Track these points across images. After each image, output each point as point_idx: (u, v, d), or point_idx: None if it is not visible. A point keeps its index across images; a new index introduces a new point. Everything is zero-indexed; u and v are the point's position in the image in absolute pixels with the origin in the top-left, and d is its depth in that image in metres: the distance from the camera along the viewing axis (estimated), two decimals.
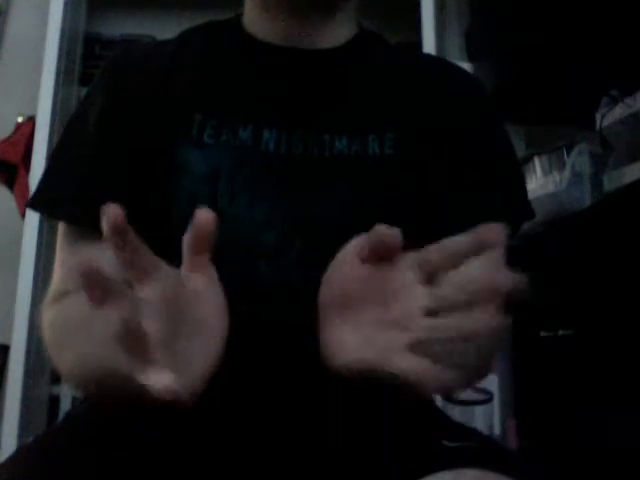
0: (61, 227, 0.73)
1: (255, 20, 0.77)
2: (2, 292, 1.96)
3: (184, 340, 0.46)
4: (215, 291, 0.50)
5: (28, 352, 1.86)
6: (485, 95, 0.81)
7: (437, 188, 0.72)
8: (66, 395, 2.12)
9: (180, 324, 0.47)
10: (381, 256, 0.48)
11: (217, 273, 0.49)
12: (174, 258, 0.68)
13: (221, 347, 0.48)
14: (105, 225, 0.45)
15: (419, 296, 0.46)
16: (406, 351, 0.44)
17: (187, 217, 0.67)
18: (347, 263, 0.50)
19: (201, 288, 0.49)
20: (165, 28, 0.81)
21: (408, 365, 0.44)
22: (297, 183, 0.69)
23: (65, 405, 2.12)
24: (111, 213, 0.45)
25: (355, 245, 0.50)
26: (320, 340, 0.49)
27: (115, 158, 0.70)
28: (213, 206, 0.67)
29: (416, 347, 0.44)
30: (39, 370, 1.93)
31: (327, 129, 0.70)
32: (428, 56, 1.02)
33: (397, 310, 0.46)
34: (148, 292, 0.46)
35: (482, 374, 0.67)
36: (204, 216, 0.48)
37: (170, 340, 0.45)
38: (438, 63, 0.84)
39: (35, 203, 0.75)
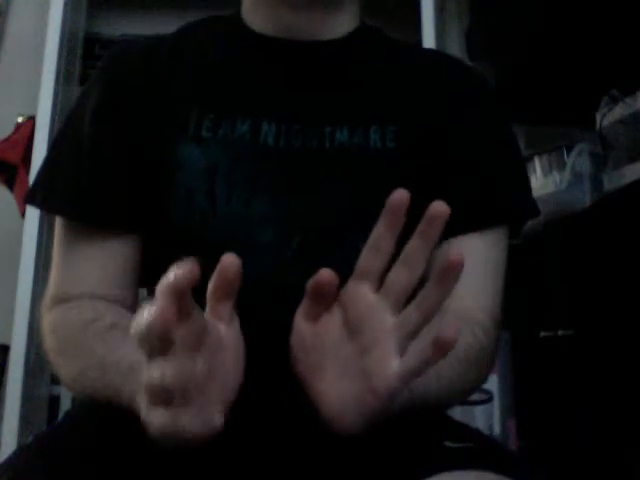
0: (58, 225, 0.72)
1: (254, 13, 0.76)
2: (2, 292, 1.96)
3: (200, 384, 0.46)
4: (236, 339, 0.50)
5: (28, 352, 1.86)
6: (489, 90, 0.79)
7: (439, 184, 0.71)
8: (66, 395, 2.12)
9: (198, 366, 0.47)
10: (323, 299, 0.49)
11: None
12: (172, 255, 0.68)
13: (235, 393, 0.49)
14: (174, 281, 0.42)
15: (382, 330, 0.48)
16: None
17: (185, 213, 0.67)
18: (304, 328, 0.51)
19: (223, 335, 0.49)
20: (165, 28, 0.80)
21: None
22: (296, 177, 0.68)
23: (65, 405, 2.12)
24: (188, 270, 0.42)
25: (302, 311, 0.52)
26: (315, 404, 0.50)
27: (113, 154, 0.70)
28: (210, 202, 0.67)
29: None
30: (39, 370, 1.93)
31: (328, 121, 0.70)
32: (430, 50, 1.00)
33: (373, 348, 0.48)
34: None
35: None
36: (228, 261, 0.46)
37: (187, 381, 0.45)
38: (441, 57, 0.83)
39: (33, 198, 0.74)
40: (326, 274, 0.48)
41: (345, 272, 0.66)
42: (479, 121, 0.74)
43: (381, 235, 0.48)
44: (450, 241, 0.71)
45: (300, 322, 0.51)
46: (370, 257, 0.49)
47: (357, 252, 0.66)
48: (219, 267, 0.46)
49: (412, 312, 0.47)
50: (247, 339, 0.59)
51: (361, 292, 0.49)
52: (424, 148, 0.71)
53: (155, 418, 0.45)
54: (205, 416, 0.46)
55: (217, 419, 0.47)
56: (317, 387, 0.50)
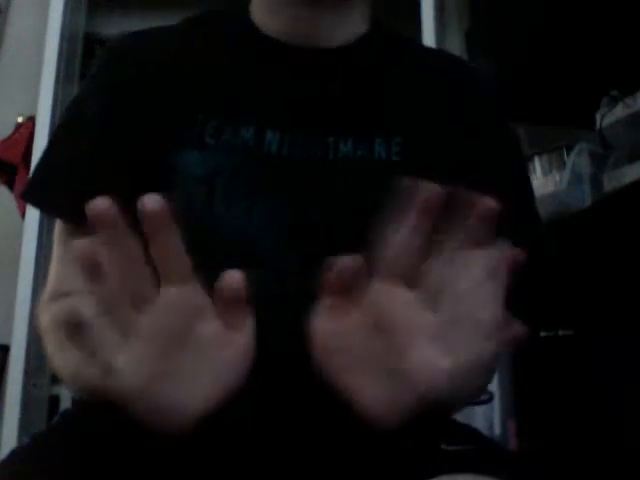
0: (58, 223, 0.72)
1: (263, 12, 0.74)
2: (2, 292, 1.96)
3: (185, 364, 0.46)
4: (243, 343, 0.48)
5: (28, 352, 1.86)
6: (495, 97, 0.78)
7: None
8: (66, 395, 2.12)
9: (182, 346, 0.46)
10: (345, 287, 0.47)
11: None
12: None
13: (226, 392, 0.48)
14: (92, 221, 0.43)
15: (422, 327, 0.46)
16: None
17: (184, 219, 0.66)
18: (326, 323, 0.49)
19: (220, 332, 0.48)
20: None
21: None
22: (297, 187, 0.67)
23: (65, 405, 2.12)
24: (99, 206, 0.43)
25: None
26: (349, 404, 0.48)
27: (114, 157, 0.68)
28: (210, 209, 0.65)
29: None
30: (39, 370, 1.93)
31: (332, 131, 0.68)
32: (440, 52, 0.97)
33: (405, 343, 0.46)
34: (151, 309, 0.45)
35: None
36: (234, 279, 0.46)
37: (168, 352, 0.45)
38: (449, 61, 0.80)
39: (30, 196, 0.73)
40: (348, 260, 0.46)
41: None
42: (488, 131, 0.73)
43: (409, 233, 0.46)
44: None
45: (320, 324, 0.49)
46: (399, 255, 0.47)
47: None
48: (222, 291, 0.46)
49: (454, 305, 0.45)
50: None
51: (394, 291, 0.47)
52: (429, 159, 0.69)
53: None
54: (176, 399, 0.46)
55: (189, 409, 0.46)
56: (349, 388, 0.48)
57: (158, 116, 0.69)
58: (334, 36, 0.72)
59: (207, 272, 0.63)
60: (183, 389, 0.47)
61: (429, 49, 0.91)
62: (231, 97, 0.70)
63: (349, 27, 0.73)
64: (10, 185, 2.12)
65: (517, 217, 0.74)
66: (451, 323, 0.46)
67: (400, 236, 0.47)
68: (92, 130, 0.70)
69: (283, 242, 0.65)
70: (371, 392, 0.48)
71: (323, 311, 0.49)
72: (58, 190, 0.70)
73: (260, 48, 0.73)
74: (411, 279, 0.47)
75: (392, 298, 0.47)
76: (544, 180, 1.51)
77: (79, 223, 0.70)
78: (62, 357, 0.65)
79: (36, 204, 0.74)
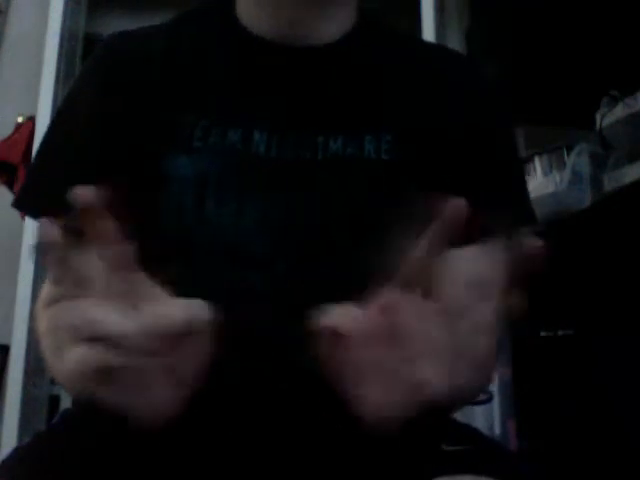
0: None
1: (250, 11, 0.73)
2: (2, 292, 1.97)
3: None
4: (200, 341, 0.47)
5: (28, 352, 1.87)
6: (498, 96, 0.76)
7: (436, 191, 0.70)
8: (66, 395, 2.12)
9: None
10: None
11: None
12: (162, 265, 0.66)
13: (186, 390, 0.47)
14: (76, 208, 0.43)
15: (433, 338, 0.46)
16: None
17: (175, 224, 0.65)
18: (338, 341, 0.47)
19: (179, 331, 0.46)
20: None
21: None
22: (287, 189, 0.66)
23: (65, 405, 2.11)
24: (81, 195, 0.43)
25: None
26: (354, 409, 0.47)
27: (105, 162, 0.68)
28: (200, 213, 0.65)
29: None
30: (39, 370, 1.93)
31: (321, 130, 0.67)
32: (434, 46, 0.95)
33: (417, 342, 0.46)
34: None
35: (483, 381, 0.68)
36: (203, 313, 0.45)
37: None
38: (444, 54, 0.79)
39: (21, 203, 0.72)
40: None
41: (338, 283, 0.65)
42: (481, 125, 0.72)
43: (432, 244, 0.46)
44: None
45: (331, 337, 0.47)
46: (418, 265, 0.47)
47: (349, 264, 0.65)
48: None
49: (462, 325, 0.46)
50: (238, 352, 0.58)
51: (412, 300, 0.47)
52: (420, 157, 0.69)
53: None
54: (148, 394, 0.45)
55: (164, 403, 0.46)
56: (354, 393, 0.47)
57: (147, 118, 0.68)
58: (321, 33, 0.71)
59: (201, 274, 0.63)
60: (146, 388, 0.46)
61: (428, 44, 0.89)
62: (219, 98, 0.69)
63: (337, 23, 0.72)
64: (10, 185, 2.12)
65: (513, 217, 0.74)
66: (457, 338, 0.45)
67: (422, 246, 0.46)
68: (82, 135, 0.69)
69: (275, 243, 0.64)
70: (375, 398, 0.47)
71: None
72: (49, 198, 0.69)
73: (247, 48, 0.72)
74: (426, 289, 0.47)
75: (410, 308, 0.47)
76: (544, 180, 1.51)
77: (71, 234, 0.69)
78: (60, 361, 0.65)
79: (28, 212, 0.73)
